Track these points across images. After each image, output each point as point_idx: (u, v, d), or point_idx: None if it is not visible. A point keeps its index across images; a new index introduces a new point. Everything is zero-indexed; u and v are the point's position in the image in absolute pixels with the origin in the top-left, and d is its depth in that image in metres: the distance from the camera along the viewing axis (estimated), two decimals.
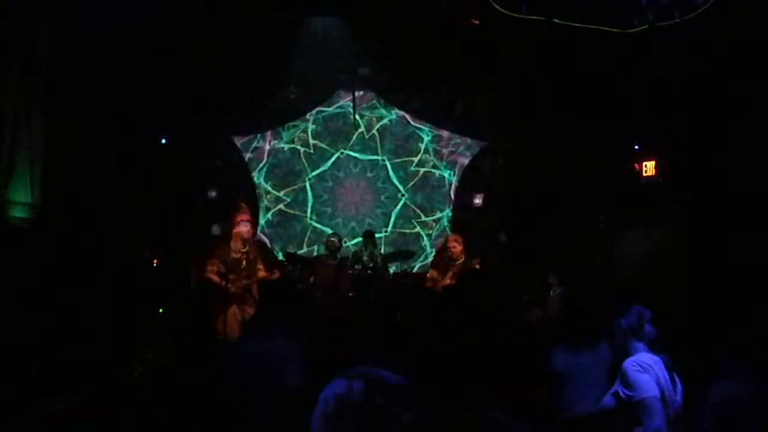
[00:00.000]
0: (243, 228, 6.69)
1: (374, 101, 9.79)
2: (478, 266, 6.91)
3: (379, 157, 9.82)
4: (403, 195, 9.80)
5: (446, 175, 9.82)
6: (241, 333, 5.71)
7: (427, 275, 7.37)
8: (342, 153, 9.82)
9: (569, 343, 3.93)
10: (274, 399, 3.22)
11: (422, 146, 9.83)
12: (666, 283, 7.19)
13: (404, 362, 2.29)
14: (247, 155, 9.64)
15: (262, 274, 6.64)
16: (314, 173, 9.77)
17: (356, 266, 7.81)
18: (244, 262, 6.61)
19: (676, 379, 2.94)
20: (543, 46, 7.67)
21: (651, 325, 2.98)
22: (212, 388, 3.65)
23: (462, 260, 6.99)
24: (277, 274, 6.92)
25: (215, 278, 6.46)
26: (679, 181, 7.69)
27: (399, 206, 9.80)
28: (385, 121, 9.83)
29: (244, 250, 6.66)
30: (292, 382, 3.24)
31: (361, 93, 9.71)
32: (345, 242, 8.79)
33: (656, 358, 2.92)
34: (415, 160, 9.83)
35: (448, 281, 6.94)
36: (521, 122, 8.90)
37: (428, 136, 9.83)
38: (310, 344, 3.61)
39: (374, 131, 9.84)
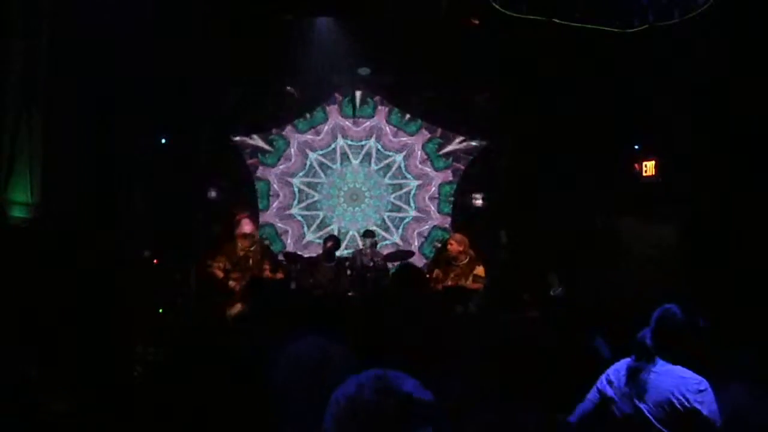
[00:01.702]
0: (246, 227, 6.74)
1: (374, 101, 9.79)
2: (481, 272, 6.86)
3: (379, 157, 9.82)
4: (403, 194, 9.81)
5: (446, 175, 9.82)
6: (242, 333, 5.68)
7: (433, 275, 7.34)
8: (341, 153, 9.82)
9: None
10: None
11: (422, 146, 9.83)
12: (665, 283, 7.19)
13: (417, 366, 2.28)
14: (248, 155, 9.64)
15: (268, 274, 6.67)
16: (313, 172, 9.78)
17: (356, 266, 7.80)
18: (250, 261, 6.65)
19: (649, 382, 2.83)
20: (543, 46, 7.67)
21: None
22: (234, 389, 3.64)
23: (465, 261, 6.96)
24: (280, 275, 6.94)
25: (219, 273, 6.51)
26: (679, 181, 7.69)
27: (399, 206, 9.82)
28: (384, 121, 9.83)
29: (251, 248, 6.71)
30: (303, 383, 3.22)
31: (361, 93, 9.71)
32: (343, 239, 8.85)
33: (624, 361, 2.97)
34: (415, 160, 9.83)
35: (449, 282, 6.92)
36: (521, 122, 8.89)
37: (428, 136, 9.83)
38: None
39: (374, 131, 9.84)
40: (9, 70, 6.12)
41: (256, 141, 9.62)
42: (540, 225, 8.64)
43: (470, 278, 6.79)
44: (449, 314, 5.70)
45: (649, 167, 8.22)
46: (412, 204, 9.82)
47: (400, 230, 9.78)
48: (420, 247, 9.67)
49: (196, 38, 7.92)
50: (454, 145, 9.71)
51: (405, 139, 9.79)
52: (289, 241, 9.64)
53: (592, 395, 3.02)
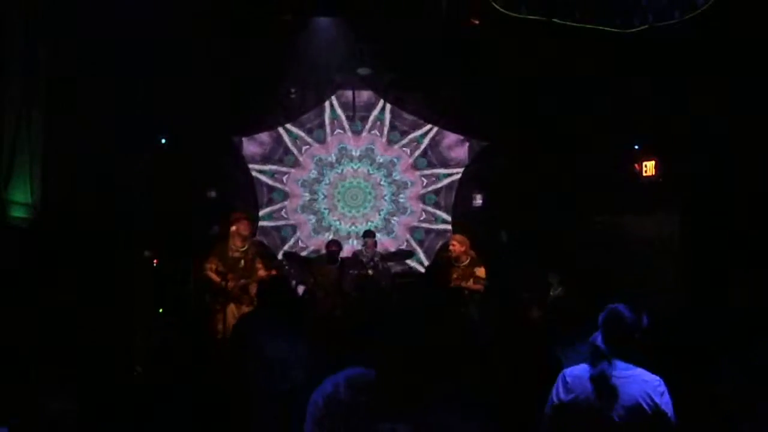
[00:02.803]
0: (241, 227, 6.74)
1: (374, 101, 9.80)
2: (482, 273, 6.85)
3: (379, 158, 9.84)
4: (398, 195, 9.84)
5: (446, 174, 9.84)
6: (243, 333, 5.68)
7: None
8: (342, 153, 9.84)
9: (565, 339, 3.96)
10: (278, 400, 3.22)
11: (422, 146, 9.84)
12: (665, 282, 7.20)
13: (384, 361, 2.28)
14: (247, 155, 9.65)
15: (261, 273, 6.67)
16: (314, 173, 9.80)
17: (356, 266, 7.80)
18: (242, 261, 6.65)
19: (617, 388, 2.77)
20: (543, 46, 7.67)
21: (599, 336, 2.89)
22: (218, 387, 3.66)
23: (466, 262, 6.94)
24: (273, 272, 6.92)
25: (214, 277, 6.50)
26: (679, 181, 7.69)
27: (395, 206, 9.86)
28: (384, 121, 9.84)
29: (243, 249, 6.71)
30: (295, 384, 3.23)
31: (361, 93, 9.72)
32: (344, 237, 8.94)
33: (582, 368, 2.87)
34: (415, 159, 9.86)
35: (450, 283, 6.90)
36: (521, 122, 8.89)
37: (428, 136, 9.84)
38: (314, 345, 3.61)
39: (374, 131, 9.85)
40: (9, 71, 6.12)
41: (256, 140, 9.63)
42: (540, 225, 8.64)
43: (471, 280, 6.78)
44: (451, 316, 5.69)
45: (649, 167, 8.22)
46: (406, 204, 9.86)
47: (396, 228, 9.83)
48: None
49: (196, 38, 7.92)
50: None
51: (398, 147, 9.87)
52: (299, 235, 9.74)
53: (549, 410, 2.88)
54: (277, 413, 3.22)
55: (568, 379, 2.86)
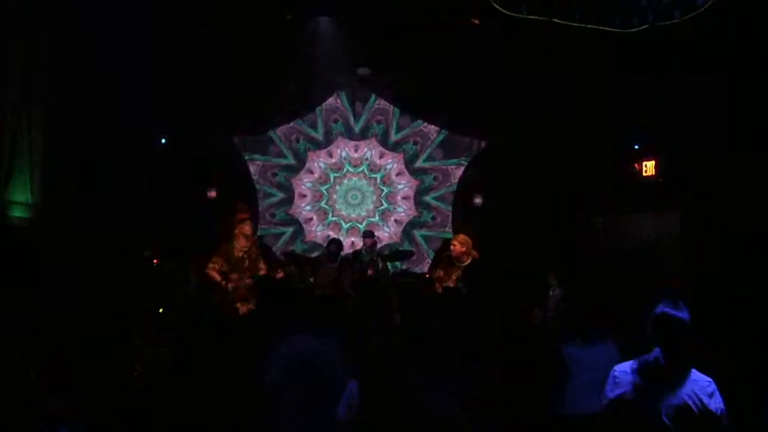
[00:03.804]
0: (245, 226, 6.75)
1: (373, 101, 9.80)
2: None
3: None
4: (392, 196, 9.87)
5: (446, 174, 9.85)
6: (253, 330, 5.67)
7: (435, 274, 7.31)
8: (342, 152, 9.85)
9: (578, 339, 3.95)
10: (323, 398, 3.20)
11: (422, 146, 9.85)
12: (665, 281, 7.19)
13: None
14: (247, 155, 9.66)
15: (264, 273, 6.68)
16: (315, 173, 9.81)
17: (356, 266, 7.80)
18: (246, 261, 6.66)
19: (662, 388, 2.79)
20: (543, 46, 7.68)
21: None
22: (243, 387, 3.64)
23: (468, 262, 6.93)
24: (281, 274, 6.94)
25: (216, 276, 6.50)
26: (679, 181, 7.70)
27: (389, 205, 9.89)
28: (384, 120, 9.85)
29: (246, 248, 6.72)
30: (342, 382, 3.23)
31: (361, 93, 9.72)
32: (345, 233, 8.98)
33: (630, 365, 2.89)
34: (416, 159, 9.87)
35: (451, 283, 6.89)
36: (521, 122, 8.89)
37: (429, 136, 9.84)
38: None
39: (374, 131, 9.86)
40: (9, 70, 6.13)
41: (256, 140, 9.65)
42: (540, 225, 8.64)
43: None
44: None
45: (649, 167, 8.22)
46: (403, 203, 9.89)
47: (391, 225, 9.88)
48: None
49: (196, 38, 7.92)
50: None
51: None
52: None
53: (603, 407, 2.93)
54: (324, 412, 3.21)
55: (616, 374, 2.89)
